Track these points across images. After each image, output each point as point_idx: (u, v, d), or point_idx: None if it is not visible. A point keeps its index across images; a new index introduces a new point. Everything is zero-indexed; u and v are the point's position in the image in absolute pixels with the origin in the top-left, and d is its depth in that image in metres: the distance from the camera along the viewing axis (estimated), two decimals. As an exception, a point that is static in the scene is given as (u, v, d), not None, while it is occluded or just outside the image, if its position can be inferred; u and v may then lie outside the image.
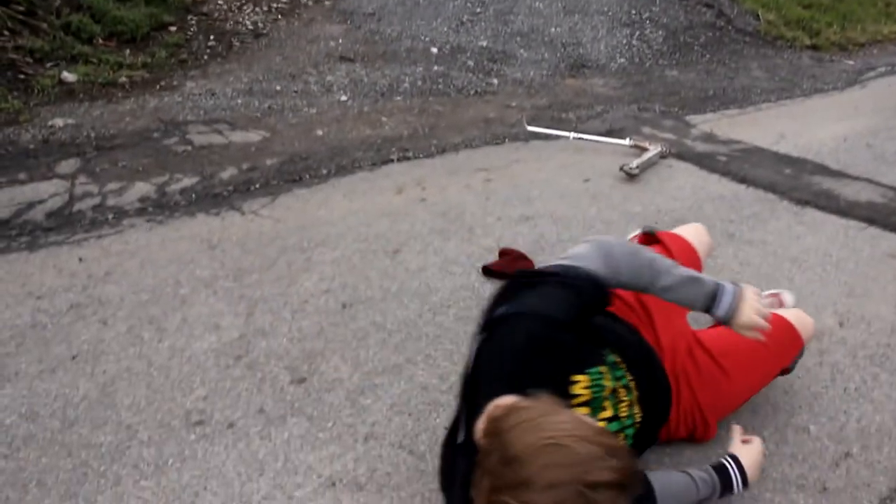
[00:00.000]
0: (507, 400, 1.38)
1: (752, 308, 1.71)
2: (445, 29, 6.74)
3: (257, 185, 3.75)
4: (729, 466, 1.79)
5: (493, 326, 1.58)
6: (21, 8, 5.13)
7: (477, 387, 1.53)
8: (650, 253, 1.77)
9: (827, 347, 2.57)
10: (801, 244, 3.34)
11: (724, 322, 1.73)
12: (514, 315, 1.58)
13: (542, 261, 3.04)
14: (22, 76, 4.75)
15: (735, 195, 3.90)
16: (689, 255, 2.28)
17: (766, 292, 2.72)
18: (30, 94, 4.63)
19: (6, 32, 4.96)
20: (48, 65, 4.95)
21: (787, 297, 2.72)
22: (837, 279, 3.04)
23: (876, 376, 2.41)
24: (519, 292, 1.64)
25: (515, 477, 1.17)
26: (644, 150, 4.35)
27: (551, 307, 1.59)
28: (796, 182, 4.11)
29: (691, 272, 1.75)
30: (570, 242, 3.16)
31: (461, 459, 1.47)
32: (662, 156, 4.39)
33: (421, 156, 4.27)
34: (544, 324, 1.56)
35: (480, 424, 1.38)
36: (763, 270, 3.08)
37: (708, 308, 1.73)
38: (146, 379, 2.30)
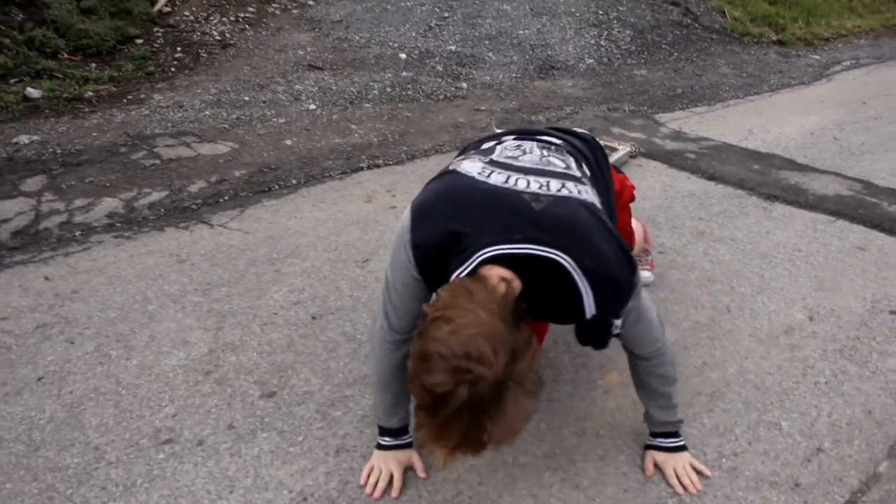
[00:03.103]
0: None
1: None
2: (414, 34, 6.74)
3: (226, 198, 3.72)
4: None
5: None
6: (-19, 24, 5.09)
7: None
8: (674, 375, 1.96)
9: (797, 342, 2.58)
10: (771, 240, 3.36)
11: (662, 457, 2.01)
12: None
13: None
14: (-16, 93, 4.70)
15: (705, 192, 3.92)
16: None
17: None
18: (-7, 112, 4.58)
19: (-33, 50, 4.91)
20: (12, 81, 4.89)
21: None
22: (807, 273, 3.06)
23: (845, 370, 2.43)
24: None
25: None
26: (613, 150, 4.36)
27: None
28: (765, 177, 4.14)
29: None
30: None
31: None
32: (632, 155, 4.41)
33: (391, 163, 4.26)
34: None
35: None
36: (733, 267, 3.09)
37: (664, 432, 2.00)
38: (114, 398, 2.27)
